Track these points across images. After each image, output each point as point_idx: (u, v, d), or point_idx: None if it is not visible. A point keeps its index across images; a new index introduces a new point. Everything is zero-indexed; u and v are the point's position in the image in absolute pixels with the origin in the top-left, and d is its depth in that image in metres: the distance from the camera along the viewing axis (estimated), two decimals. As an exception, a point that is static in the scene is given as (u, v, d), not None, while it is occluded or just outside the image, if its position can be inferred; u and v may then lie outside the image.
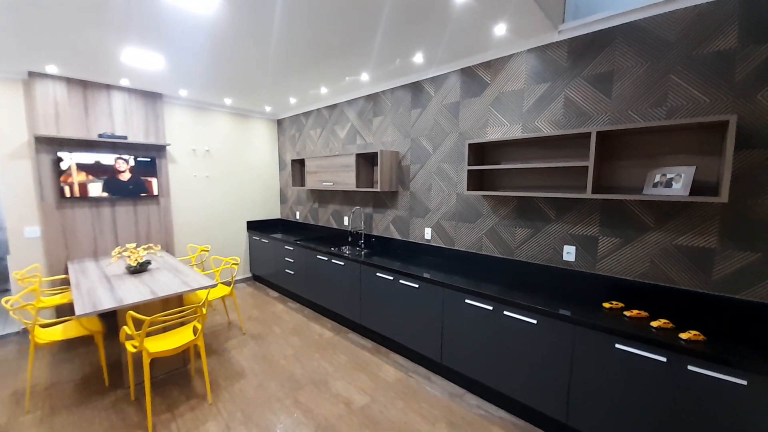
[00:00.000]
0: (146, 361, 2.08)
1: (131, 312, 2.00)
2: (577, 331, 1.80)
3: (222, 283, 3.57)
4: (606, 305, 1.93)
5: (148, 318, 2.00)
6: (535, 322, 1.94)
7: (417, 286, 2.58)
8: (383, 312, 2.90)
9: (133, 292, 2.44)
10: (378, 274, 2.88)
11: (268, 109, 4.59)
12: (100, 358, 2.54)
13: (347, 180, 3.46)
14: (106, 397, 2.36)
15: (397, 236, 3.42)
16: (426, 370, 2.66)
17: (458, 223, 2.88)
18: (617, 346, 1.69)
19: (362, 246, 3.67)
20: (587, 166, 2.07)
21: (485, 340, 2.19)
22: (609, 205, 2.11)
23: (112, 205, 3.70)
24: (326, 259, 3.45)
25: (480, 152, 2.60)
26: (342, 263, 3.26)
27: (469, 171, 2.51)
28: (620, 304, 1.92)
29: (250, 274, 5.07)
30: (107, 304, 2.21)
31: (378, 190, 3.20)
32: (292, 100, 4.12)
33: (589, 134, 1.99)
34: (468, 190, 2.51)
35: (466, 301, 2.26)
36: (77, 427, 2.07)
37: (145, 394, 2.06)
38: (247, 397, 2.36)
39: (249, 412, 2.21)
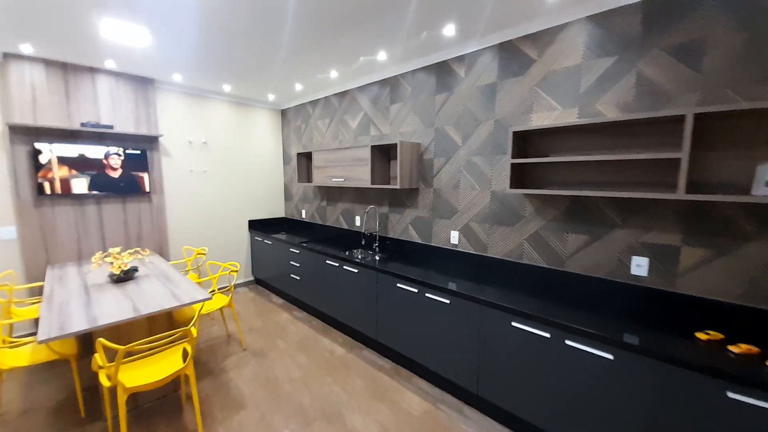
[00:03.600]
0: (122, 399, 1.70)
1: (101, 340, 1.62)
2: (669, 372, 1.39)
3: (220, 290, 3.18)
4: (700, 336, 1.51)
5: (122, 348, 1.62)
6: (611, 357, 1.53)
7: (448, 301, 2.17)
8: (405, 329, 2.50)
9: (113, 307, 2.06)
10: (399, 285, 2.48)
11: (271, 97, 4.18)
12: (75, 385, 2.17)
13: (361, 175, 3.05)
14: (81, 431, 1.99)
15: (417, 239, 3.01)
16: (457, 400, 2.27)
17: (492, 226, 2.46)
18: (729, 395, 1.28)
19: (377, 250, 3.27)
20: (677, 159, 1.64)
21: (539, 375, 1.79)
22: (698, 208, 1.69)
23: (98, 203, 3.32)
24: (337, 265, 3.06)
25: (521, 143, 2.18)
26: (355, 270, 2.87)
27: (513, 165, 2.09)
28: (719, 335, 1.51)
29: (252, 278, 4.69)
30: (78, 325, 1.83)
31: (396, 187, 2.78)
32: (298, 87, 3.70)
33: (677, 118, 1.57)
34: (511, 187, 2.10)
35: (514, 324, 1.86)
36: (40, 475, 1.70)
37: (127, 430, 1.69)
38: (246, 434, 1.98)
39: (248, 455, 1.83)
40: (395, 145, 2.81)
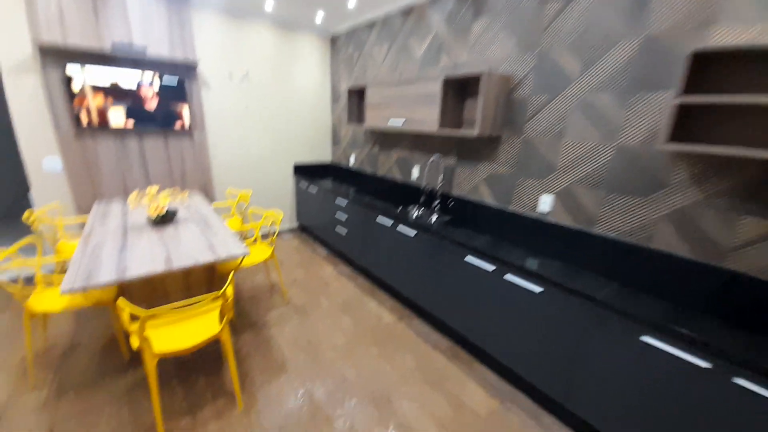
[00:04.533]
0: (150, 365, 1.50)
1: (122, 300, 1.36)
2: None
3: (263, 239, 2.92)
4: None
5: (145, 313, 1.36)
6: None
7: (540, 290, 1.66)
8: (471, 310, 2.07)
9: (145, 256, 1.83)
10: (469, 259, 2.00)
11: (319, 17, 3.49)
12: (118, 330, 2.09)
13: (426, 117, 2.44)
14: (122, 377, 1.92)
15: (490, 202, 2.44)
16: (532, 403, 1.87)
17: (610, 194, 1.81)
18: None
19: (436, 210, 2.76)
20: None
21: (682, 420, 1.29)
22: None
23: (139, 138, 3.10)
24: (390, 224, 2.62)
25: (691, 76, 1.41)
26: (411, 234, 2.41)
27: (680, 107, 1.37)
28: None
29: (296, 224, 4.49)
30: (105, 275, 1.61)
31: (472, 133, 2.16)
32: (352, 1, 2.98)
33: None
34: (670, 141, 1.40)
35: (646, 340, 1.32)
36: (80, 422, 1.63)
37: (158, 395, 1.53)
38: (286, 409, 1.77)
39: (288, 436, 1.62)
40: (477, 77, 2.12)
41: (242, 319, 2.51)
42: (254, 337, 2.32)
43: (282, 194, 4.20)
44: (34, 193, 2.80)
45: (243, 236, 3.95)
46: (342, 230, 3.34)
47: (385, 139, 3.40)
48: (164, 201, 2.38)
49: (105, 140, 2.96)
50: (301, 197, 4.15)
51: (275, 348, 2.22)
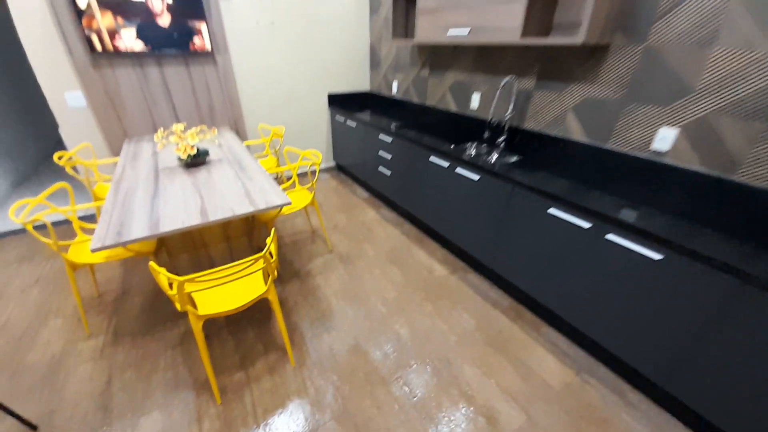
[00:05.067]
0: (196, 327, 1.38)
1: (153, 265, 1.18)
2: None
3: (301, 182, 2.62)
4: None
5: (180, 279, 1.17)
6: None
7: (658, 257, 1.28)
8: (546, 271, 1.76)
9: (179, 204, 1.64)
10: (554, 212, 1.62)
11: None
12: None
13: (503, 21, 1.84)
14: (176, 325, 1.89)
15: (579, 137, 1.93)
16: (616, 377, 1.63)
17: (777, 127, 1.27)
18: None
19: (502, 148, 2.29)
20: None
21: None
22: None
23: (158, 64, 2.75)
24: (446, 165, 2.22)
25: None
26: (474, 177, 2.02)
27: None
28: None
29: (333, 163, 4.18)
30: (137, 229, 1.45)
31: (577, 40, 1.58)
32: None
33: None
34: None
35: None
36: (138, 371, 1.63)
37: (207, 353, 1.45)
38: (339, 365, 1.67)
39: (345, 397, 1.53)
40: (587, -48, 1.47)
41: (285, 267, 2.39)
42: (300, 286, 2.20)
43: (317, 130, 3.82)
44: (64, 134, 2.65)
45: (279, 179, 3.75)
46: (385, 171, 2.99)
47: (438, 58, 2.79)
48: (193, 139, 2.12)
49: (124, 68, 2.65)
50: (338, 133, 3.75)
51: (323, 300, 2.09)
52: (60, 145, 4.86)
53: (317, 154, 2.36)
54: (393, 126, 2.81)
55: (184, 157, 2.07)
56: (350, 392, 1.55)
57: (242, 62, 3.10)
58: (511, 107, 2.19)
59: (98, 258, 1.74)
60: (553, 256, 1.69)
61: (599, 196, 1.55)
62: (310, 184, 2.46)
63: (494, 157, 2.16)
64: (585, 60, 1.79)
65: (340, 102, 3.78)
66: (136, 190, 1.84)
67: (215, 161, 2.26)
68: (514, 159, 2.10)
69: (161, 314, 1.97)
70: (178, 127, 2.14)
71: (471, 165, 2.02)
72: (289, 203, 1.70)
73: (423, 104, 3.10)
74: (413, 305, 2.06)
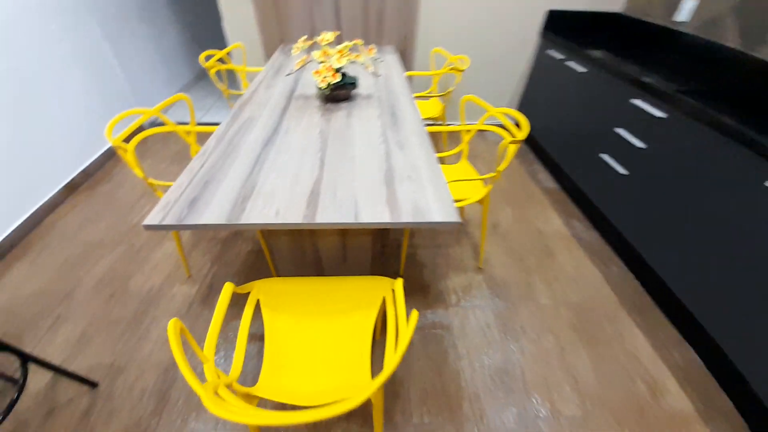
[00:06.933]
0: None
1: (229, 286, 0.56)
2: None
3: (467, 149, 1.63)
4: None
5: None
6: None
7: None
8: None
9: (287, 169, 1.02)
10: None
11: None
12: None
13: None
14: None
15: None
16: None
17: None
18: None
19: None
20: None
21: None
22: None
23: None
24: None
25: None
26: None
27: None
28: None
29: (513, 120, 3.00)
30: (216, 206, 0.88)
31: None
32: None
33: None
34: None
35: None
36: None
37: None
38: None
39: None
40: None
41: (409, 269, 1.67)
42: (421, 320, 1.46)
43: (507, 68, 2.63)
44: (227, 26, 2.33)
45: (438, 144, 2.80)
46: (615, 164, 1.74)
47: None
48: (339, 59, 1.40)
49: (291, -54, 2.02)
50: (540, 78, 2.49)
51: (448, 366, 1.31)
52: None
53: (520, 120, 1.34)
54: (671, 87, 1.46)
55: (323, 85, 1.39)
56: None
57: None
58: None
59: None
60: None
61: None
62: (492, 175, 1.47)
63: None
64: None
65: (563, 27, 2.41)
66: (255, 123, 1.29)
67: (362, 98, 1.53)
68: None
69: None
70: (325, 36, 1.44)
71: None
72: (457, 223, 0.86)
73: (750, 54, 1.54)
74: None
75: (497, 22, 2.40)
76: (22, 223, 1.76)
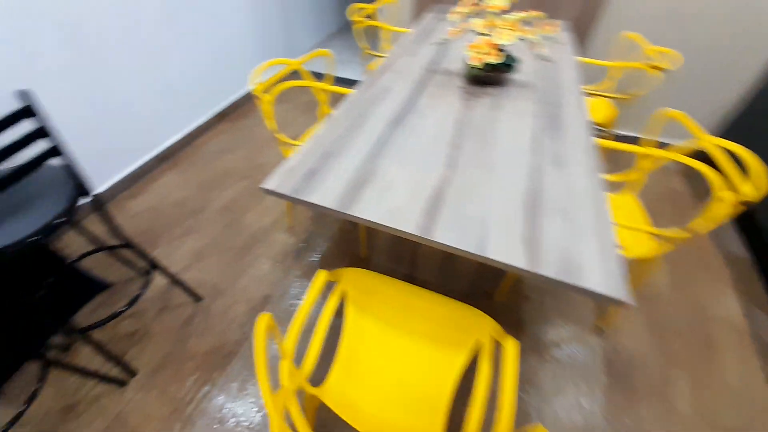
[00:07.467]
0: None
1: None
2: None
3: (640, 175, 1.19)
4: None
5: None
6: None
7: None
8: None
9: (408, 160, 0.87)
10: None
11: None
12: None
13: None
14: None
15: None
16: None
17: None
18: None
19: None
20: None
21: None
22: None
23: None
24: None
25: None
26: None
27: None
28: None
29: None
30: (330, 186, 0.81)
31: None
32: None
33: None
34: None
35: None
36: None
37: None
38: None
39: None
40: None
41: (506, 301, 1.42)
42: (522, 383, 1.23)
43: (732, 78, 1.91)
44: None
45: (604, 164, 2.23)
46: None
47: None
48: (506, 34, 1.14)
49: None
50: (776, 96, 1.74)
51: None
52: None
53: (751, 166, 0.90)
54: None
55: (477, 64, 1.16)
56: None
57: None
58: None
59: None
60: None
61: None
62: (680, 235, 1.07)
63: None
64: None
65: None
66: (388, 95, 1.17)
67: (517, 85, 1.25)
68: None
69: (349, 257, 1.56)
70: (496, 2, 1.17)
71: None
72: (623, 302, 0.60)
73: None
74: None
75: (737, 9, 1.70)
76: (180, 139, 2.07)
